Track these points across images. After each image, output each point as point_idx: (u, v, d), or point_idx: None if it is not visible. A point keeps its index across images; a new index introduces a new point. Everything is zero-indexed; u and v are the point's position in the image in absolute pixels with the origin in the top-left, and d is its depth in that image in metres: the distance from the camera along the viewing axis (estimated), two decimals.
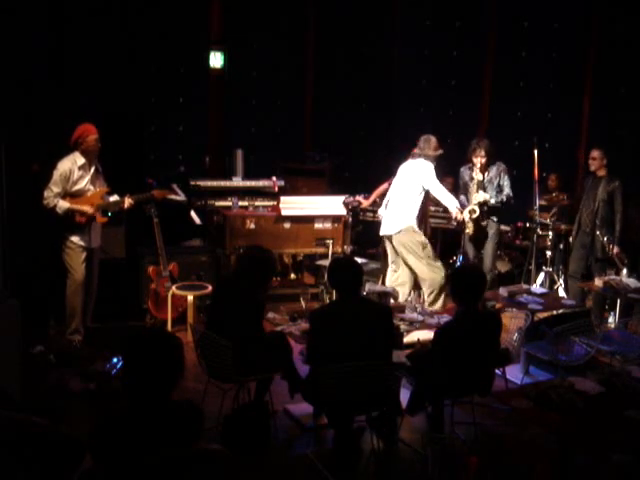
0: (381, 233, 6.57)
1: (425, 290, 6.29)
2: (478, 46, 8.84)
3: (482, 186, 6.67)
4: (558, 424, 3.54)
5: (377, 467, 4.09)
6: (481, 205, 6.65)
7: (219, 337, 4.07)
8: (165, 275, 6.24)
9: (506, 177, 6.71)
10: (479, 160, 6.63)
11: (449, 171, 8.08)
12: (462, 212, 6.48)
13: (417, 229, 6.39)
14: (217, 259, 6.84)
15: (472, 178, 6.70)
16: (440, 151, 6.42)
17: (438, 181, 6.40)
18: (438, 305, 6.21)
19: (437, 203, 8.18)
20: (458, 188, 7.84)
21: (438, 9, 8.94)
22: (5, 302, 4.31)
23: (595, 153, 6.50)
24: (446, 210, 7.95)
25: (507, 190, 6.71)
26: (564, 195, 7.35)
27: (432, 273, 6.28)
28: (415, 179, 6.37)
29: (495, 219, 6.81)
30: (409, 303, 5.48)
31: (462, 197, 6.88)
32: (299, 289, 6.97)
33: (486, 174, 6.70)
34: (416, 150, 6.41)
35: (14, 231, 5.24)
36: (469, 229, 6.77)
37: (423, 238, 6.40)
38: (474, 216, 6.67)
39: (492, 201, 6.67)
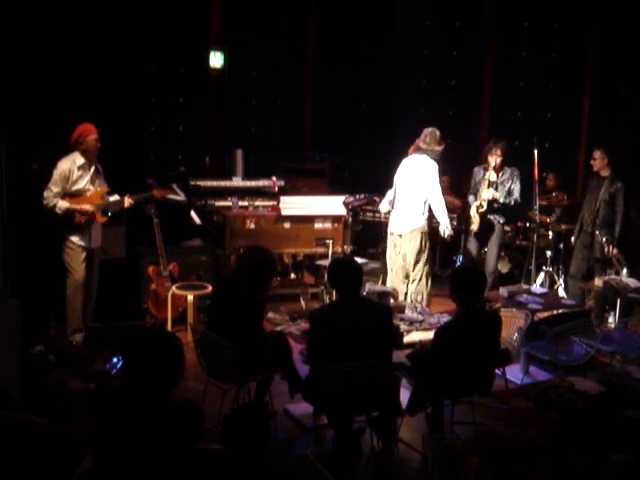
0: (391, 230, 6.41)
1: (413, 290, 6.30)
2: (478, 46, 8.84)
3: (494, 186, 6.63)
4: (558, 424, 3.55)
5: (377, 467, 4.09)
6: (490, 202, 6.64)
7: (219, 337, 4.07)
8: (165, 275, 6.24)
9: (518, 182, 6.67)
10: (494, 159, 6.55)
11: (448, 171, 8.07)
12: (452, 235, 6.44)
13: (426, 229, 6.32)
14: (217, 259, 6.83)
15: (484, 178, 6.66)
16: (443, 144, 6.32)
17: (441, 191, 6.30)
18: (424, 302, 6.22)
19: None
20: (454, 188, 7.83)
21: (438, 9, 8.94)
22: (5, 302, 4.32)
23: (596, 153, 6.49)
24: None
25: (516, 195, 6.68)
26: (564, 195, 7.35)
27: (425, 277, 6.29)
28: (423, 179, 6.24)
29: (501, 220, 6.80)
30: (409, 303, 5.49)
31: (471, 197, 6.84)
32: (299, 289, 6.96)
33: (500, 175, 6.66)
34: (422, 145, 6.26)
35: (14, 231, 5.23)
36: (474, 225, 6.74)
37: (426, 243, 6.37)
38: (481, 210, 6.65)
39: (501, 200, 6.64)
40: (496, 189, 6.63)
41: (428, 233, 6.38)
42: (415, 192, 6.27)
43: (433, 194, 6.25)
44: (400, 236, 6.32)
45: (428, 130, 6.30)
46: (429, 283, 6.37)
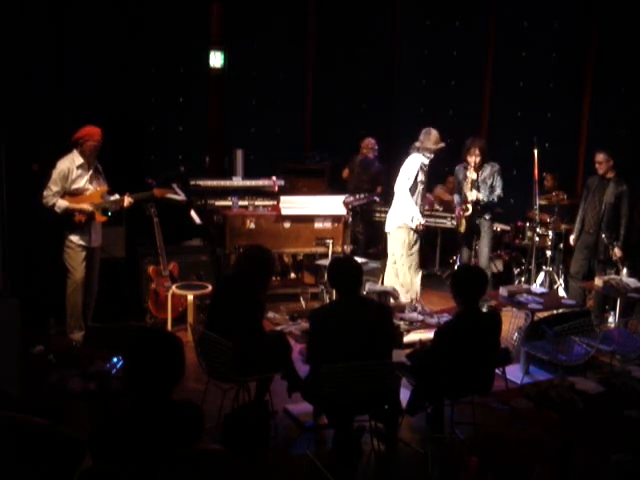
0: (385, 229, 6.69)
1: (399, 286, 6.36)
2: (478, 46, 8.84)
3: (475, 185, 6.70)
4: (558, 424, 3.54)
5: (377, 467, 4.09)
6: (474, 204, 6.71)
7: (219, 337, 4.07)
8: (165, 275, 6.24)
9: (499, 178, 6.75)
10: (473, 159, 6.67)
11: (450, 171, 8.06)
12: (421, 224, 6.43)
13: (412, 226, 6.38)
14: (217, 259, 6.83)
15: (466, 177, 6.75)
16: (442, 144, 6.38)
17: (408, 182, 6.34)
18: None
19: (440, 202, 8.19)
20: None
21: (438, 9, 8.94)
22: (5, 302, 4.31)
23: (600, 157, 6.39)
24: (446, 210, 7.97)
25: (498, 191, 6.74)
26: (564, 195, 7.35)
27: (407, 275, 6.36)
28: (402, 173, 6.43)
29: (487, 217, 6.84)
30: (409, 303, 5.49)
31: (456, 196, 6.95)
32: (299, 289, 6.97)
33: (480, 173, 6.74)
34: (417, 143, 6.38)
35: (14, 231, 5.24)
36: (462, 227, 6.83)
37: (413, 239, 6.41)
38: (466, 214, 6.78)
39: (485, 199, 6.72)
40: (478, 188, 6.72)
41: (420, 230, 6.46)
42: (397, 190, 6.47)
43: (400, 182, 6.38)
44: (389, 234, 6.55)
45: (424, 130, 6.41)
46: (416, 279, 6.41)
